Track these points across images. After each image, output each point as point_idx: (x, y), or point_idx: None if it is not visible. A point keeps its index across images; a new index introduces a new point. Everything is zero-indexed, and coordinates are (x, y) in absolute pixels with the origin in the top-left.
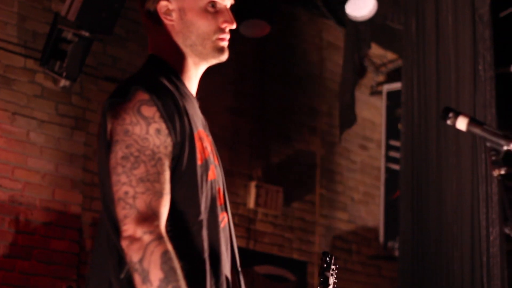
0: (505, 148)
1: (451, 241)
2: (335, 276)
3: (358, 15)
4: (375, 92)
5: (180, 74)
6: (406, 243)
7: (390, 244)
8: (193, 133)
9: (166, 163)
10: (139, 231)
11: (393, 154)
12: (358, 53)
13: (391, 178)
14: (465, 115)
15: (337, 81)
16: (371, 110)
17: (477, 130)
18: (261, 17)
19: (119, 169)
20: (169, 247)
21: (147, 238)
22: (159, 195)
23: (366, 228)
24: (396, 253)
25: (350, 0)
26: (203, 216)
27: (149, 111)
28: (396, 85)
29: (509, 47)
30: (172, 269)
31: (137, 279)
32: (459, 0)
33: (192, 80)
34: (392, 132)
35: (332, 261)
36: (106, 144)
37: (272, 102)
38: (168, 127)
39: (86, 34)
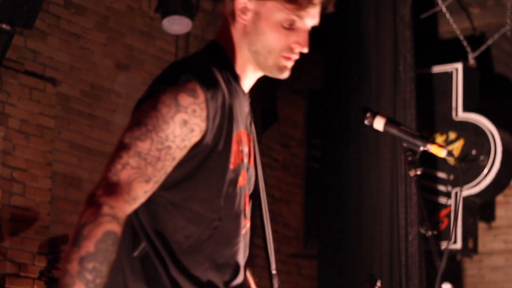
0: (421, 148)
1: (371, 240)
2: None
3: None
4: (297, 91)
5: (237, 70)
6: (326, 242)
7: (310, 242)
8: (232, 135)
9: (174, 155)
10: (103, 199)
11: (315, 153)
12: None
13: (312, 177)
14: (382, 115)
15: (259, 78)
16: (293, 108)
17: (393, 131)
18: (183, 13)
19: (128, 133)
20: (118, 231)
21: (104, 209)
22: (146, 178)
23: (287, 226)
24: (316, 251)
25: None
26: (220, 223)
27: (186, 100)
28: (318, 84)
29: (429, 48)
30: (105, 251)
31: (71, 238)
32: (380, 1)
33: (248, 79)
34: (313, 130)
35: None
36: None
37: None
38: (198, 124)
39: (7, 27)
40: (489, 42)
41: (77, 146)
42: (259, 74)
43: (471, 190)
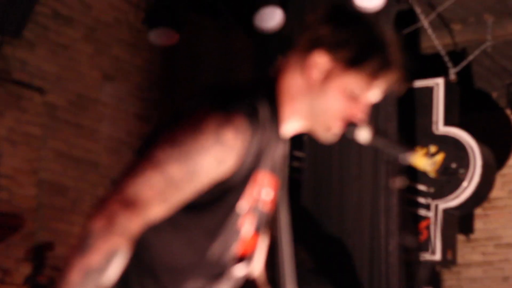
0: (403, 160)
1: (351, 251)
2: None
3: (266, 26)
4: None
5: (284, 115)
6: (307, 252)
7: None
8: (254, 176)
9: (197, 187)
10: (118, 214)
11: (297, 164)
12: (267, 64)
13: (294, 188)
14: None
15: None
16: None
17: (377, 142)
18: (170, 26)
19: (160, 151)
20: (127, 249)
21: (118, 225)
22: (164, 203)
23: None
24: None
25: (259, 11)
26: (210, 258)
27: (228, 137)
28: None
29: (411, 62)
30: (109, 268)
31: (77, 243)
32: None
33: (289, 127)
34: (296, 142)
35: None
36: (172, 121)
37: (179, 109)
38: (230, 164)
39: None
40: (470, 58)
41: (63, 154)
42: (301, 129)
43: (450, 202)
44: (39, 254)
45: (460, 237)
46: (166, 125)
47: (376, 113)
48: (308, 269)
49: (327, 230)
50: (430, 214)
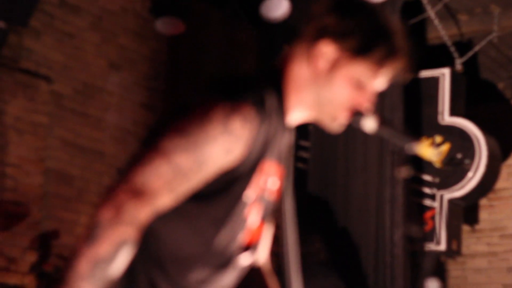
0: (409, 150)
1: (356, 241)
2: None
3: (272, 16)
4: None
5: (289, 104)
6: (311, 242)
7: None
8: (261, 166)
9: (204, 177)
10: (127, 204)
11: (303, 154)
12: (272, 55)
13: (299, 178)
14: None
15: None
16: None
17: (382, 132)
18: (176, 15)
19: (168, 140)
20: (135, 239)
21: (126, 216)
22: (172, 192)
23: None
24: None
25: (265, 1)
26: (217, 247)
27: (235, 126)
28: None
29: (417, 53)
30: (117, 258)
31: (85, 234)
32: None
33: (294, 116)
34: (302, 132)
35: None
36: (180, 109)
37: (186, 100)
38: (237, 154)
39: (2, 25)
40: (476, 48)
41: (69, 143)
42: (308, 118)
43: (455, 193)
44: (45, 243)
45: (465, 228)
46: (173, 115)
47: (382, 103)
48: (320, 260)
49: (332, 220)
50: (435, 204)
